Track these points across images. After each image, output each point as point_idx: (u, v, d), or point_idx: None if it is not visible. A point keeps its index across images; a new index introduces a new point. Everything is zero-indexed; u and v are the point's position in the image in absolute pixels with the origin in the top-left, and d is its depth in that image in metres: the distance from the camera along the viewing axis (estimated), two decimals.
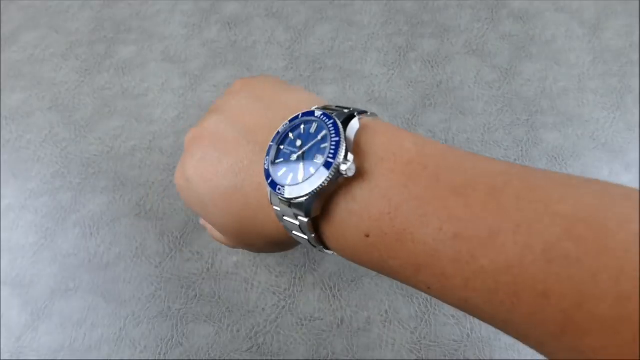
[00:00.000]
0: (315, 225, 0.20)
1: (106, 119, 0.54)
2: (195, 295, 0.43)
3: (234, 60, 0.55)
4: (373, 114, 0.21)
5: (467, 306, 0.17)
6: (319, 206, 0.19)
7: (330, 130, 0.19)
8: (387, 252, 0.18)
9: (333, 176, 0.18)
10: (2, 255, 0.46)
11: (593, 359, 0.15)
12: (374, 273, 0.42)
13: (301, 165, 0.19)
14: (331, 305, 0.41)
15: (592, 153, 0.48)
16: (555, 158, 0.48)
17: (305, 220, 0.19)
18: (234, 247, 0.28)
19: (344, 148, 0.18)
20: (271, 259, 0.44)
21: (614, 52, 0.53)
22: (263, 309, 0.42)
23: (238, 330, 0.41)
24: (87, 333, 0.42)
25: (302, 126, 0.20)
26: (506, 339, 0.39)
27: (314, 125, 0.20)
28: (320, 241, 0.21)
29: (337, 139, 0.18)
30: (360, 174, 0.19)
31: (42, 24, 0.62)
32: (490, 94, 0.52)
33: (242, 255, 0.45)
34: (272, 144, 0.21)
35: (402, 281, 0.19)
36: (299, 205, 0.19)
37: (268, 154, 0.21)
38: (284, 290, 0.43)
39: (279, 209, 0.20)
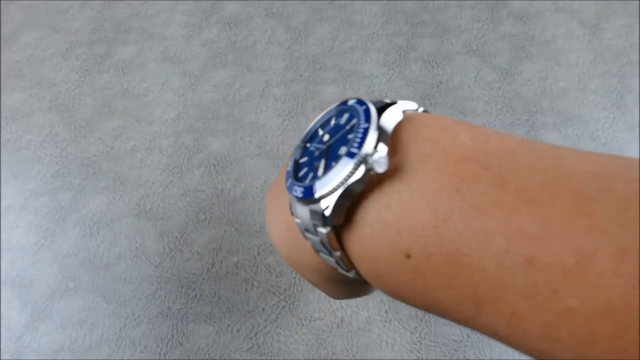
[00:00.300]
0: (340, 241, 0.15)
1: (106, 119, 0.54)
2: (195, 295, 0.43)
3: (234, 60, 0.55)
4: (425, 111, 0.16)
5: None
6: (342, 212, 0.15)
7: (360, 118, 0.15)
8: (435, 280, 0.13)
9: (357, 170, 0.14)
10: (2, 255, 0.46)
11: None
12: None
13: (323, 161, 0.15)
14: (331, 305, 0.41)
15: None
16: None
17: (325, 231, 0.15)
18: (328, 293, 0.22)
19: (374, 136, 0.14)
20: (271, 258, 0.44)
21: (614, 52, 0.54)
22: (263, 309, 0.42)
23: (238, 330, 0.41)
24: (87, 333, 0.42)
25: (333, 120, 0.17)
26: None
27: (345, 116, 0.16)
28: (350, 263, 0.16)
29: (366, 125, 0.14)
30: (397, 173, 0.14)
31: (42, 24, 0.62)
32: (490, 94, 0.52)
33: (242, 255, 0.45)
34: (299, 143, 0.17)
35: (460, 323, 0.14)
36: (315, 211, 0.15)
37: (293, 155, 0.17)
38: (284, 290, 0.43)
39: (299, 220, 0.16)
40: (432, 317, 0.40)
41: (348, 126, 0.15)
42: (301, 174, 0.16)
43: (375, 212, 0.14)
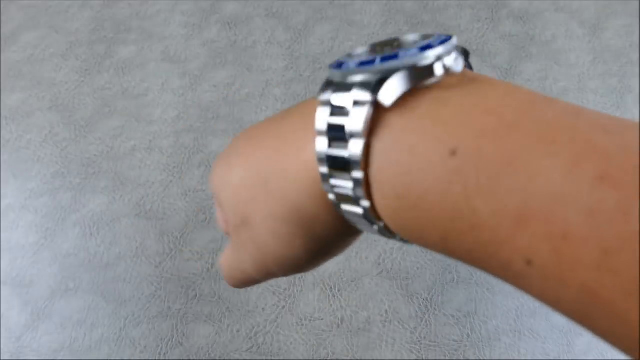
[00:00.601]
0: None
1: (106, 119, 0.54)
2: (195, 295, 0.43)
3: (234, 60, 0.55)
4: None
5: (592, 304, 0.11)
6: (395, 93, 0.13)
7: (434, 37, 0.13)
8: (478, 183, 0.12)
9: (437, 63, 0.12)
10: (2, 255, 0.46)
11: None
12: (375, 272, 0.42)
13: (378, 58, 0.13)
14: (331, 305, 0.42)
15: None
16: None
17: (369, 98, 0.12)
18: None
19: (455, 41, 0.13)
20: None
21: (614, 52, 0.54)
22: (263, 309, 0.42)
23: (238, 330, 0.41)
24: (87, 333, 0.42)
25: (366, 50, 0.15)
26: (506, 339, 0.39)
27: (389, 47, 0.14)
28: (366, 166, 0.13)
29: (445, 37, 0.13)
30: (460, 85, 0.13)
31: (42, 24, 0.62)
32: None
33: None
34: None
35: (481, 249, 0.12)
36: (364, 81, 0.13)
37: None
38: (284, 290, 0.43)
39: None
40: (432, 317, 0.40)
41: (406, 44, 0.14)
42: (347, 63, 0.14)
43: (428, 107, 0.13)
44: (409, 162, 0.13)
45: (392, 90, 0.12)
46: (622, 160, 0.11)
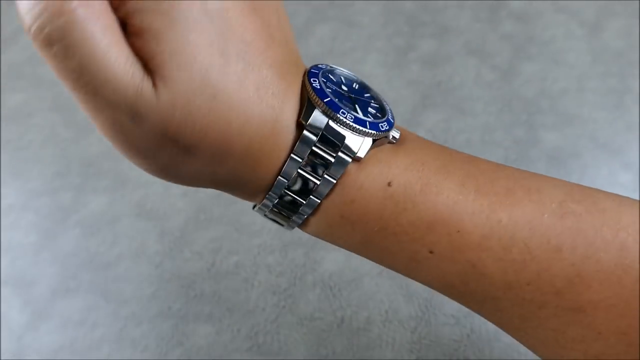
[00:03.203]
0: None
1: None
2: (195, 295, 0.43)
3: None
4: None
5: (471, 272, 0.17)
6: (366, 151, 0.17)
7: (385, 107, 0.19)
8: (404, 204, 0.17)
9: (389, 132, 0.18)
10: (3, 255, 0.46)
11: (588, 316, 0.16)
12: (375, 272, 0.42)
13: (357, 107, 0.18)
14: (331, 305, 0.42)
15: (592, 153, 0.48)
16: (555, 158, 0.48)
17: (349, 159, 0.17)
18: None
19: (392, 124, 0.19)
20: (271, 258, 0.44)
21: (614, 52, 0.54)
22: (263, 309, 0.42)
23: (238, 330, 0.41)
24: (88, 333, 0.42)
25: (341, 79, 0.20)
26: (506, 339, 0.39)
27: (357, 85, 0.20)
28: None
29: (391, 116, 0.19)
30: (396, 147, 0.19)
31: None
32: (490, 94, 0.52)
33: (242, 255, 0.45)
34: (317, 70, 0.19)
35: (398, 249, 0.18)
36: (350, 147, 0.17)
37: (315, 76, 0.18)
38: (284, 290, 0.43)
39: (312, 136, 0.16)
40: (432, 317, 0.40)
41: (368, 98, 0.19)
42: (335, 100, 0.17)
43: (376, 154, 0.18)
44: (355, 195, 0.17)
45: (366, 149, 0.17)
46: (485, 179, 0.17)
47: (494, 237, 0.16)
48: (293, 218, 0.19)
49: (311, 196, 0.18)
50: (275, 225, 0.47)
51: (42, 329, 0.42)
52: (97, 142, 0.53)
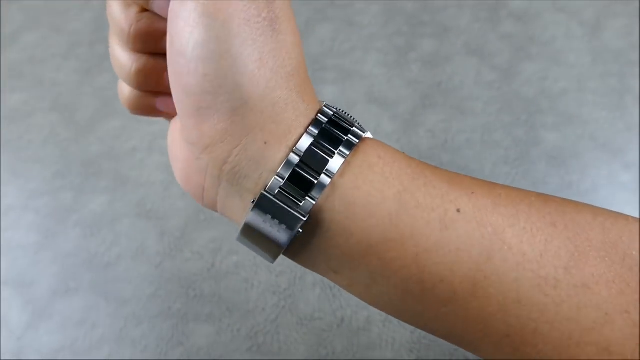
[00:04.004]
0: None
1: (107, 119, 0.54)
2: (196, 295, 0.43)
3: None
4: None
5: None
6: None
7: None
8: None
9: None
10: (3, 255, 0.46)
11: (595, 294, 0.17)
12: None
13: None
14: (331, 305, 0.42)
15: (592, 153, 0.48)
16: (555, 158, 0.48)
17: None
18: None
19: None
20: None
21: (614, 52, 0.54)
22: (263, 309, 0.42)
23: (238, 330, 0.41)
24: (88, 333, 0.42)
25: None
26: None
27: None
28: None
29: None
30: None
31: (42, 25, 0.62)
32: (490, 94, 0.52)
33: (242, 255, 0.45)
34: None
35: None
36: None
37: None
38: (284, 290, 0.43)
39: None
40: None
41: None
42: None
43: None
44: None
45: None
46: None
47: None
48: (301, 205, 0.18)
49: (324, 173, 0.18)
50: None
51: (42, 329, 0.42)
52: (97, 142, 0.53)
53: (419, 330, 0.40)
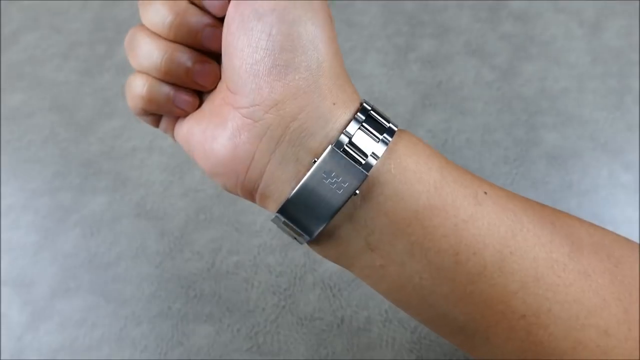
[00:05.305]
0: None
1: (106, 119, 0.54)
2: (195, 295, 0.43)
3: None
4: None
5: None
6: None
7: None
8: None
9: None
10: (3, 255, 0.46)
11: (593, 282, 0.19)
12: None
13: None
14: (331, 305, 0.42)
15: (592, 153, 0.48)
16: (555, 158, 0.48)
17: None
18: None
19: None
20: (271, 258, 0.44)
21: (614, 52, 0.54)
22: (263, 309, 0.42)
23: (238, 330, 0.41)
24: (88, 333, 0.42)
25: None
26: None
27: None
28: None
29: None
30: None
31: (42, 25, 0.62)
32: (490, 94, 0.52)
33: (242, 255, 0.45)
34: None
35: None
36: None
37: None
38: (284, 290, 0.43)
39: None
40: None
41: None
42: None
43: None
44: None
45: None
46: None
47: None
48: (363, 164, 0.19)
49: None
50: (276, 225, 0.46)
51: (42, 329, 0.42)
52: (97, 142, 0.53)
53: (419, 330, 0.40)
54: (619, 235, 0.22)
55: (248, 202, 0.47)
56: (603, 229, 0.22)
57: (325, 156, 0.18)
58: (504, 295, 0.18)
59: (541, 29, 0.56)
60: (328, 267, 0.43)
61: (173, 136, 0.26)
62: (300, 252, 0.44)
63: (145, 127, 0.53)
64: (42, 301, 0.44)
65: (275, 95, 0.19)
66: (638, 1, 0.57)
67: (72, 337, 0.42)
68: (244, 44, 0.19)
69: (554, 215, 0.21)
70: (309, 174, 0.19)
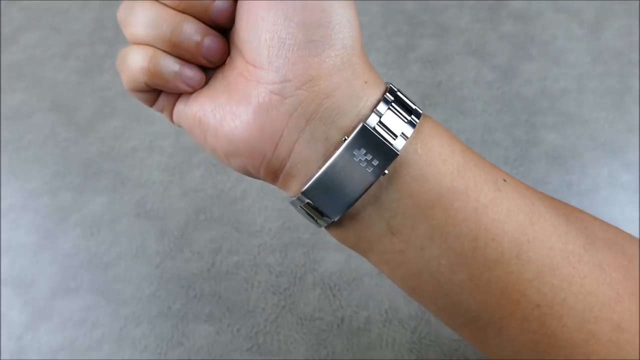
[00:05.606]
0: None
1: (106, 119, 0.54)
2: (195, 295, 0.43)
3: None
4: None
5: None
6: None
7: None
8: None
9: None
10: (3, 255, 0.46)
11: (607, 276, 0.19)
12: (375, 272, 0.42)
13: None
14: (331, 305, 0.42)
15: (592, 153, 0.48)
16: (555, 158, 0.48)
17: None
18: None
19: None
20: (271, 258, 0.44)
21: (614, 52, 0.54)
22: (263, 309, 0.42)
23: (238, 330, 0.41)
24: (88, 333, 0.42)
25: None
26: None
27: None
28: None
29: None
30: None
31: (42, 25, 0.62)
32: (490, 94, 0.52)
33: (242, 255, 0.45)
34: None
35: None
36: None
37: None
38: (284, 290, 0.43)
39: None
40: (432, 317, 0.40)
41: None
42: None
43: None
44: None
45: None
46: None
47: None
48: (393, 143, 0.19)
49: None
50: (276, 225, 0.47)
51: (42, 329, 0.42)
52: (97, 142, 0.53)
53: (419, 330, 0.40)
54: (630, 234, 0.22)
55: (248, 202, 0.47)
56: (615, 226, 0.22)
57: (357, 134, 0.18)
58: (519, 284, 0.18)
59: (541, 29, 0.56)
60: (328, 267, 0.43)
61: (170, 115, 0.24)
62: (300, 252, 0.44)
63: (145, 127, 0.53)
64: (42, 301, 0.44)
65: (311, 71, 0.18)
66: (638, 1, 0.57)
67: (72, 337, 0.42)
68: (278, 16, 0.18)
69: (567, 209, 0.21)
70: (339, 151, 0.18)
